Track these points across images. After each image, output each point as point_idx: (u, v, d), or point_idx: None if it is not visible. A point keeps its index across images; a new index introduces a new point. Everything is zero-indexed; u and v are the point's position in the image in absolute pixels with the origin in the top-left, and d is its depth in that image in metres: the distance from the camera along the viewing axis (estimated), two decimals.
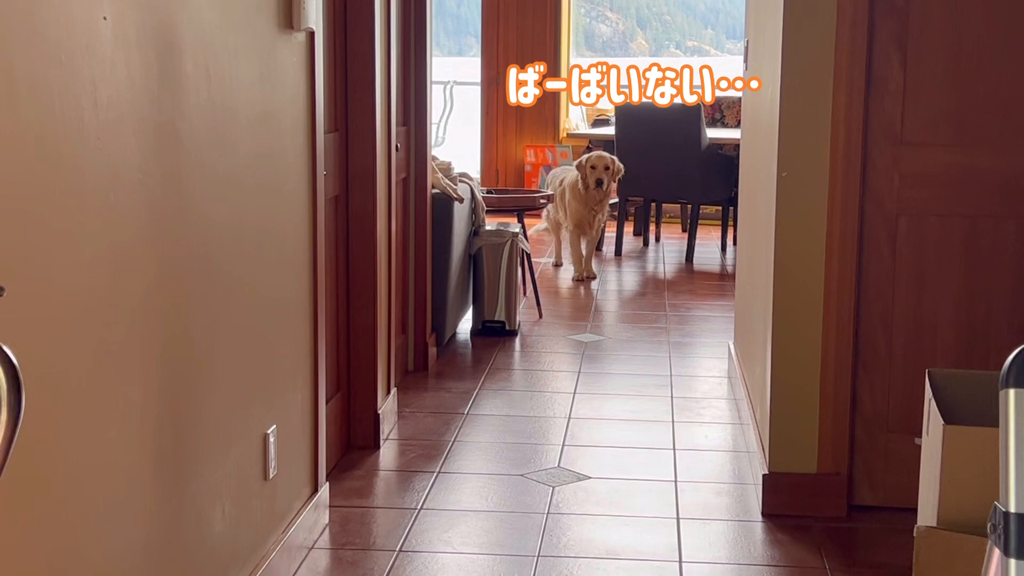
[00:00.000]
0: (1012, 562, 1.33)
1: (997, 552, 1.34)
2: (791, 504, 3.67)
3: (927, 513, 2.50)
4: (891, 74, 3.56)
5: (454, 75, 11.71)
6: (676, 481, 3.97)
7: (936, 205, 3.61)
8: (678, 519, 3.66)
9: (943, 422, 2.39)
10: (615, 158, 7.61)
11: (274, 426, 3.08)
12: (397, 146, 4.64)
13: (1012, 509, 1.36)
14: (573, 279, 7.50)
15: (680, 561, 3.36)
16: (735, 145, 8.29)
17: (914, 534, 2.47)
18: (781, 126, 3.60)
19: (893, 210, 3.61)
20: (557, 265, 7.96)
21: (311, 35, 3.30)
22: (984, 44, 3.53)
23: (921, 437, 2.73)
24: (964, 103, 3.56)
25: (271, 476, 3.07)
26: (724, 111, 9.66)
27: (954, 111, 3.57)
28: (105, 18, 2.05)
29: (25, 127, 1.80)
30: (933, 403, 2.51)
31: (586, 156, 7.61)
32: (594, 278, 7.55)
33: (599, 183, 7.41)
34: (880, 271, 3.63)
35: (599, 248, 8.40)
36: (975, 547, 2.30)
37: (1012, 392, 1.42)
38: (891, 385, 3.67)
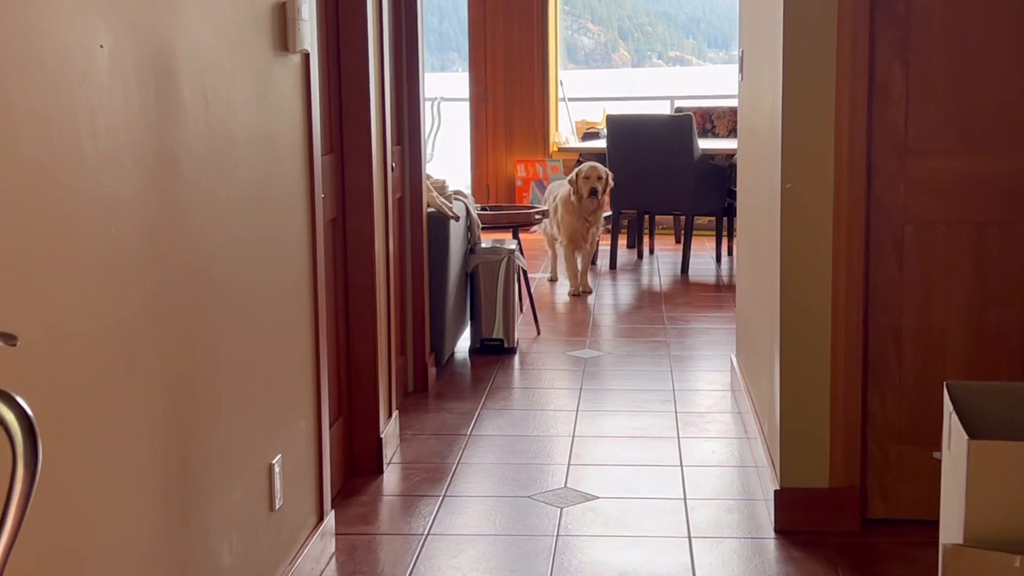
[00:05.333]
0: None
1: None
2: (804, 520, 3.62)
3: (952, 530, 2.45)
4: (893, 82, 3.52)
5: (438, 91, 11.66)
6: (685, 499, 3.92)
7: (943, 213, 3.57)
8: (690, 538, 3.60)
9: (967, 437, 2.34)
10: (608, 170, 7.58)
11: (279, 455, 3.02)
12: (392, 166, 4.59)
13: None
14: (569, 294, 7.45)
15: None
16: (727, 155, 8.27)
17: (940, 552, 2.42)
18: (784, 137, 3.56)
19: (899, 219, 3.57)
20: (552, 280, 7.91)
21: (306, 57, 3.25)
22: (986, 49, 3.50)
23: (940, 451, 2.68)
24: (968, 109, 3.52)
25: (277, 507, 3.01)
26: (715, 121, 9.63)
27: (958, 117, 3.53)
28: (102, 46, 1.99)
29: (24, 158, 1.75)
30: (954, 417, 2.46)
31: (578, 169, 7.57)
32: (590, 292, 7.51)
33: (593, 192, 7.38)
34: (888, 281, 3.58)
35: (593, 262, 8.36)
36: (1005, 564, 2.25)
37: None
38: (902, 396, 3.62)
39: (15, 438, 1.02)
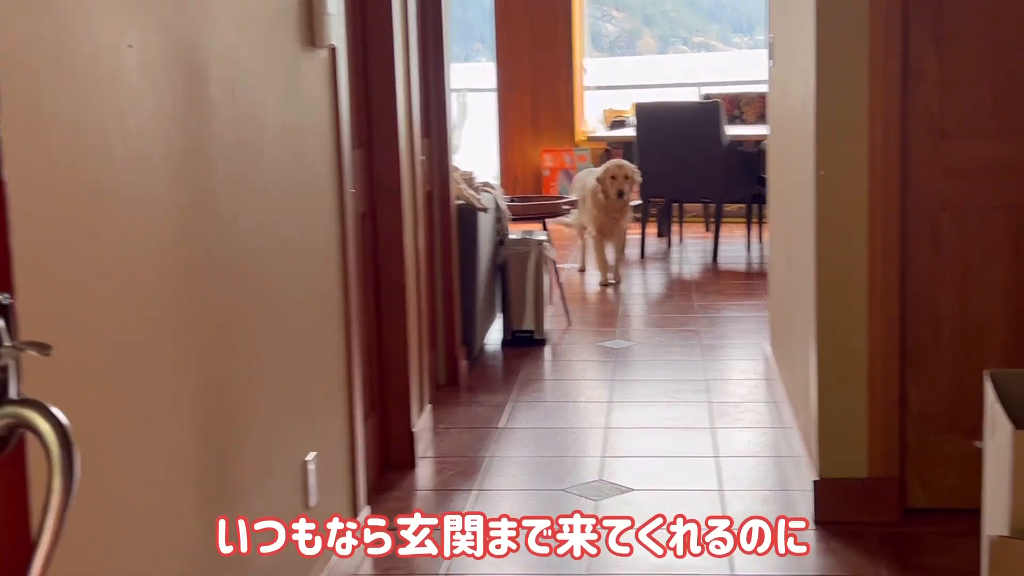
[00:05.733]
0: None
1: None
2: (843, 510, 3.58)
3: (996, 521, 2.41)
4: (927, 65, 3.47)
5: (464, 81, 11.62)
6: (721, 490, 3.89)
7: (979, 198, 3.52)
8: None
9: (1012, 427, 2.29)
10: (634, 167, 7.45)
11: (313, 453, 3.01)
12: (421, 159, 4.57)
13: None
14: (599, 284, 7.41)
15: (733, 573, 3.27)
16: (755, 141, 8.21)
17: (985, 544, 2.38)
18: (818, 123, 3.51)
19: (935, 204, 3.52)
20: (581, 270, 7.86)
21: (333, 51, 3.23)
22: (1021, 31, 3.44)
23: (982, 440, 2.64)
24: (1003, 92, 3.47)
25: (312, 504, 2.99)
26: (743, 107, 9.56)
27: (993, 101, 3.47)
28: (130, 46, 1.97)
29: (56, 161, 1.73)
30: (998, 406, 2.42)
31: (605, 167, 7.43)
32: (619, 282, 7.45)
33: (620, 194, 7.28)
34: (924, 268, 3.54)
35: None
36: None
37: None
38: (941, 384, 3.57)
39: (51, 449, 1.01)
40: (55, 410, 1.02)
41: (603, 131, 10.29)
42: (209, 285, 2.34)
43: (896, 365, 3.54)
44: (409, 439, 4.19)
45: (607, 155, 9.63)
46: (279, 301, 2.78)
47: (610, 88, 12.55)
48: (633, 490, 3.91)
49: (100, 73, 1.87)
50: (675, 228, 9.01)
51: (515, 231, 6.23)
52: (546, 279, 6.07)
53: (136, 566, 2.01)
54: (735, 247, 8.60)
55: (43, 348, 1.03)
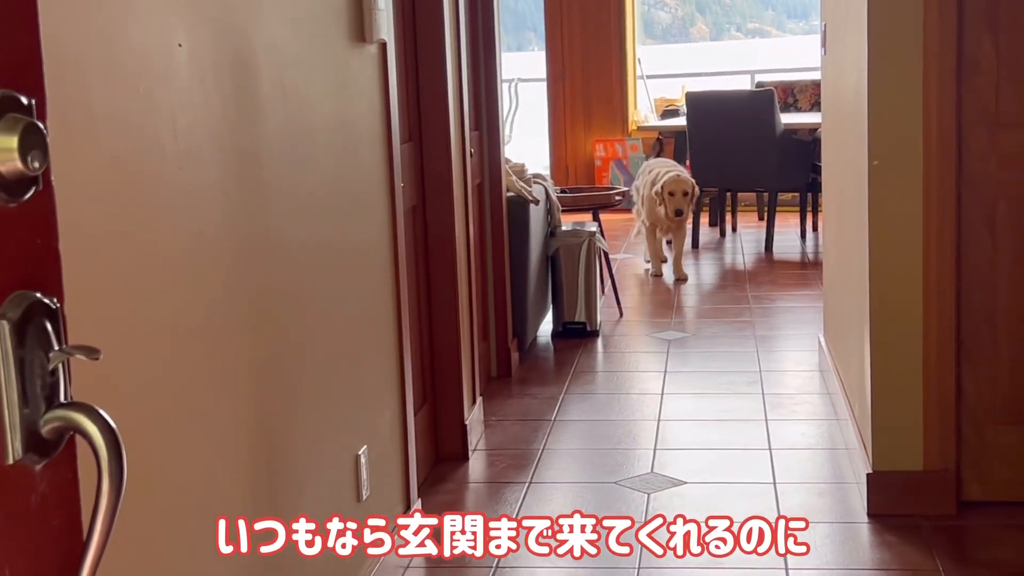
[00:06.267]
0: None
1: None
2: (897, 503, 3.55)
3: None
4: (983, 52, 3.42)
5: (515, 71, 11.59)
6: (775, 483, 3.86)
7: None
8: None
9: None
10: (692, 181, 7.20)
11: (364, 447, 3.02)
12: (471, 151, 4.57)
13: None
14: (651, 275, 7.37)
15: (786, 568, 3.25)
16: (810, 129, 8.13)
17: None
18: (870, 113, 3.47)
19: (991, 194, 3.47)
20: (648, 261, 7.74)
21: (383, 46, 3.23)
22: None
23: None
24: None
25: (364, 497, 3.01)
26: (797, 95, 9.48)
27: None
28: (180, 45, 1.99)
29: (107, 161, 1.75)
30: None
31: (663, 182, 7.09)
32: (684, 280, 7.29)
33: (678, 213, 7.05)
34: (980, 258, 3.49)
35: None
36: None
37: None
38: (997, 376, 3.52)
39: (100, 452, 1.02)
40: (104, 413, 1.03)
41: (655, 120, 10.24)
42: (259, 281, 2.36)
43: (951, 356, 3.50)
44: (461, 431, 4.20)
45: (659, 144, 9.59)
46: (330, 295, 2.79)
47: (662, 77, 12.46)
48: (686, 483, 3.90)
49: (150, 72, 1.89)
50: (728, 217, 8.95)
51: (567, 222, 6.22)
52: (597, 270, 6.05)
53: (187, 565, 2.04)
54: (789, 236, 8.54)
55: (91, 352, 1.04)
